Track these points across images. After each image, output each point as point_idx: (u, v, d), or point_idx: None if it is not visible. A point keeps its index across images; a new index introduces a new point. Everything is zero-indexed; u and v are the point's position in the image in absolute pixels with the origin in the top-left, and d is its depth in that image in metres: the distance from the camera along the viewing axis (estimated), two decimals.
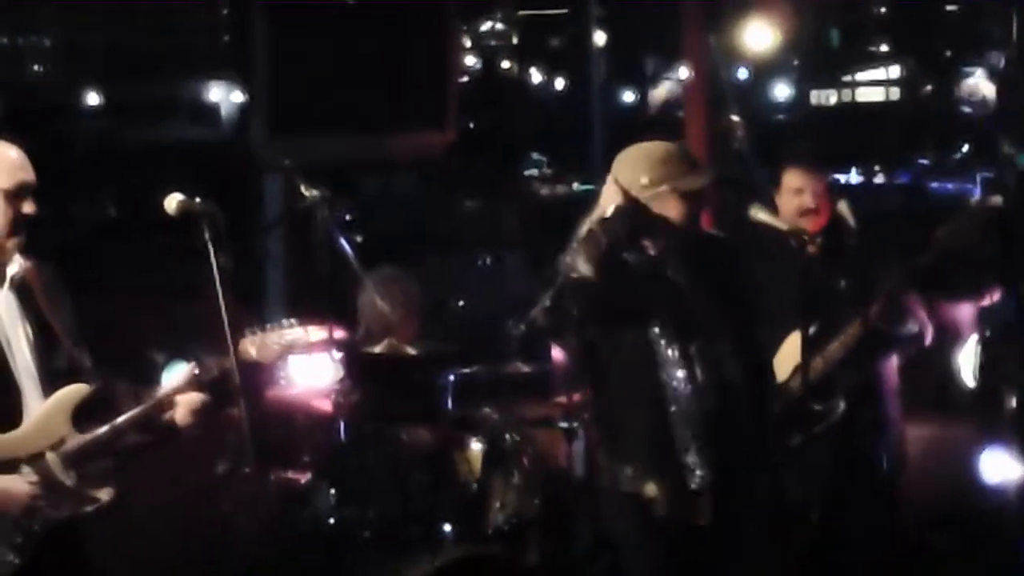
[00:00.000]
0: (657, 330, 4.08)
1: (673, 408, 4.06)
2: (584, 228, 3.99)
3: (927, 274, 4.70)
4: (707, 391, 4.08)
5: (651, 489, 4.11)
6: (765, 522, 4.17)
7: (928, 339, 4.91)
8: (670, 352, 4.07)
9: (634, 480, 4.13)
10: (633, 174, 4.05)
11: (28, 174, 3.77)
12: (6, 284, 3.79)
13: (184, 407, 3.89)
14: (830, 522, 4.77)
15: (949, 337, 5.49)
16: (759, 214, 4.54)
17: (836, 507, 4.78)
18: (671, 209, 4.05)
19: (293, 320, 4.05)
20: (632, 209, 3.98)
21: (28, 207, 3.74)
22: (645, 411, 4.11)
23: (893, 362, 4.96)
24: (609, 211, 3.97)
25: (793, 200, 4.89)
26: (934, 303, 4.90)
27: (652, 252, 4.11)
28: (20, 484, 3.66)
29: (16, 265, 3.80)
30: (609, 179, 4.09)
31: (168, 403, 3.89)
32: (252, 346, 3.99)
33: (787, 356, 4.70)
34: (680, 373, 4.06)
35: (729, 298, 4.18)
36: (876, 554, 4.79)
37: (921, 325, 4.84)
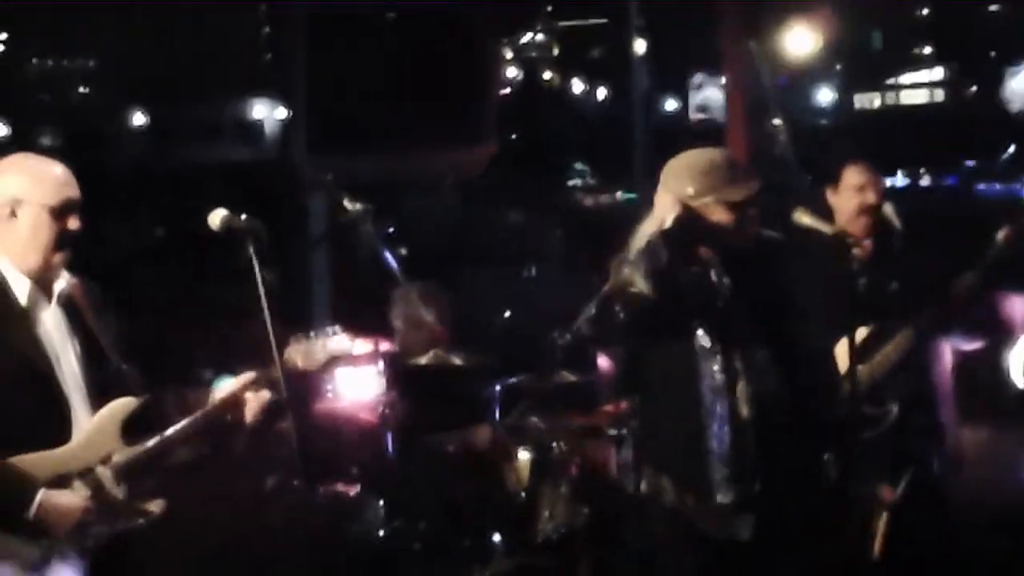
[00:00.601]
0: (704, 342, 4.06)
1: (708, 421, 4.05)
2: (642, 239, 3.97)
3: (986, 276, 4.69)
4: (747, 404, 4.05)
5: (687, 501, 4.09)
6: (808, 536, 4.14)
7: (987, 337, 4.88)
8: (714, 364, 4.05)
9: (673, 492, 4.12)
10: (679, 185, 4.02)
11: (73, 191, 3.80)
12: (54, 300, 3.82)
13: (255, 403, 3.91)
14: (888, 528, 4.73)
15: (1002, 339, 5.42)
16: (804, 218, 4.51)
17: (894, 512, 4.74)
18: (720, 218, 4.00)
19: (337, 327, 4.06)
20: (689, 219, 3.96)
21: (73, 223, 3.77)
22: (684, 423, 4.08)
23: (947, 365, 4.92)
24: (668, 221, 3.94)
25: (855, 198, 4.84)
26: (989, 304, 4.86)
27: (706, 261, 4.09)
28: (73, 499, 3.68)
29: (63, 281, 3.83)
30: (660, 189, 4.08)
31: (221, 411, 3.92)
32: (297, 354, 4.00)
33: (840, 361, 4.66)
34: (720, 386, 4.04)
35: (778, 306, 4.15)
36: (930, 556, 4.74)
37: (985, 327, 4.81)
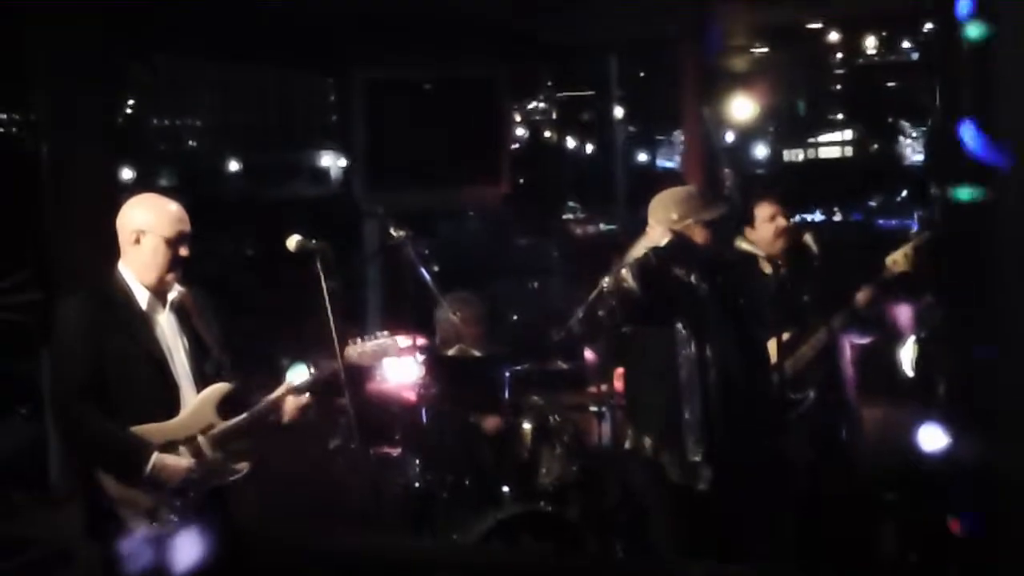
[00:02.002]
0: (682, 332, 4.06)
1: (684, 395, 4.04)
2: (639, 252, 3.98)
3: (880, 290, 4.68)
4: (715, 382, 4.05)
5: (664, 457, 4.08)
6: (757, 485, 4.12)
7: (881, 335, 4.87)
8: (690, 349, 4.05)
9: (652, 449, 4.11)
10: (665, 212, 4.07)
11: (185, 225, 3.80)
12: (167, 307, 3.82)
13: (292, 405, 3.92)
14: (807, 482, 4.70)
15: (894, 337, 5.42)
16: (743, 244, 4.51)
17: (811, 471, 4.71)
18: (697, 236, 4.05)
19: (386, 332, 4.08)
20: (676, 238, 3.99)
21: (184, 251, 3.78)
22: (663, 395, 4.08)
23: (850, 358, 4.90)
24: (663, 242, 3.97)
25: (770, 226, 4.82)
26: (883, 310, 4.84)
27: (687, 270, 4.10)
28: (179, 460, 3.69)
29: (175, 292, 3.83)
30: (651, 220, 4.10)
31: (268, 410, 3.91)
32: (354, 351, 4.01)
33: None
34: (694, 367, 4.04)
35: (737, 307, 4.16)
36: (840, 499, 4.72)
37: (879, 327, 4.80)
